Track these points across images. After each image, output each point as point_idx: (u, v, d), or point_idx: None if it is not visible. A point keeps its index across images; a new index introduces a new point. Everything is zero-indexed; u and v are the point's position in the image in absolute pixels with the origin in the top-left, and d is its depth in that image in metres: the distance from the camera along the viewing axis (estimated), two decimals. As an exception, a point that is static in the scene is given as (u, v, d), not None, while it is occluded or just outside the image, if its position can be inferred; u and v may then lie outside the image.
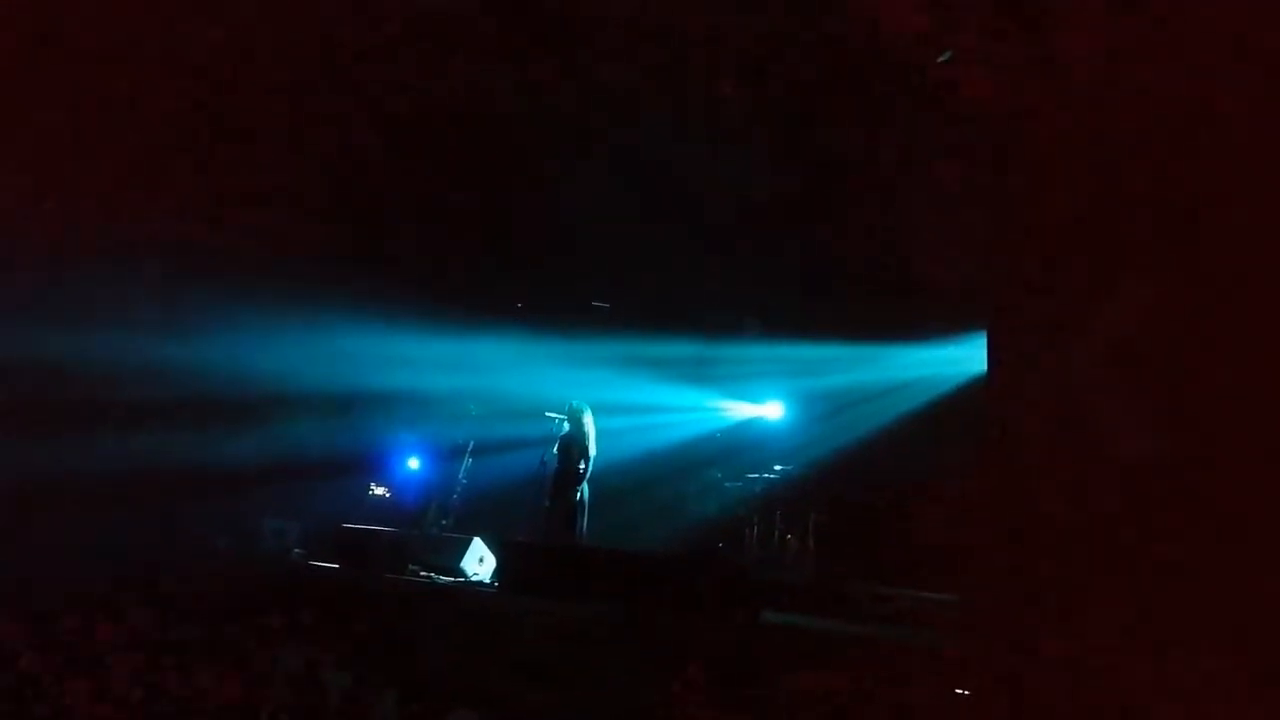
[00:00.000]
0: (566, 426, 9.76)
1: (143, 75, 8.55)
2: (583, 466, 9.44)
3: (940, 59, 6.64)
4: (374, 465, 12.82)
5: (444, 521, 10.96)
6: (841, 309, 10.75)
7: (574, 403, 9.84)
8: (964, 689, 4.74)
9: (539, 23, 8.19)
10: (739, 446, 11.93)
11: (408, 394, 12.45)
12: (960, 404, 9.71)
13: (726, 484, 11.52)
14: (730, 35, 7.80)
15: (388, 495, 12.64)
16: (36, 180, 9.54)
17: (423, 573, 9.00)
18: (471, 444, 11.10)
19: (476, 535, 9.19)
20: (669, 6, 7.71)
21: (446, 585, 8.68)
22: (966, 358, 9.58)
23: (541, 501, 9.80)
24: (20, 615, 6.65)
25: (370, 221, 11.34)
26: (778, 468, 11.21)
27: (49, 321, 10.36)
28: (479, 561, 8.99)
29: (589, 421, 9.68)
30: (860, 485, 10.40)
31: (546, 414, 10.00)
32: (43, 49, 8.06)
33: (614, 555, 8.61)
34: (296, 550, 10.41)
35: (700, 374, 11.97)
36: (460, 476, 11.04)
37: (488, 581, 8.80)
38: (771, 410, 12.00)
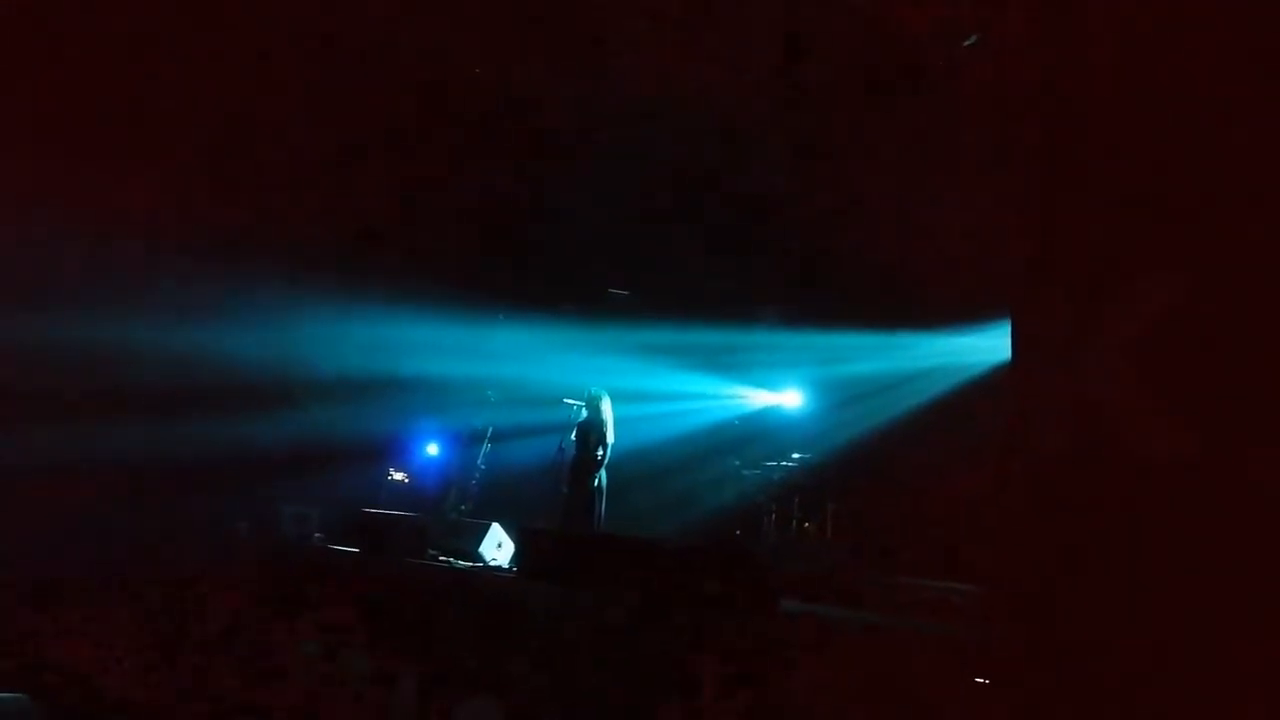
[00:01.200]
0: (585, 413, 9.77)
1: (159, 69, 8.62)
2: (601, 453, 9.46)
3: (966, 43, 6.59)
4: (393, 451, 12.89)
5: (463, 507, 11.02)
6: (860, 296, 10.69)
7: (592, 390, 9.85)
8: (982, 679, 4.74)
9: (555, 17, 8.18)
10: (757, 434, 11.91)
11: (428, 380, 12.50)
12: (980, 393, 9.64)
13: (744, 472, 11.50)
14: (749, 27, 7.76)
15: (407, 481, 12.72)
16: (44, 167, 9.60)
17: (441, 558, 9.06)
18: (490, 430, 11.14)
19: (495, 521, 9.25)
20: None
21: (465, 570, 8.73)
22: (986, 346, 9.51)
23: (560, 488, 9.83)
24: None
25: (387, 211, 11.37)
26: (796, 456, 11.18)
27: (65, 309, 10.42)
28: (497, 547, 9.03)
29: (607, 408, 9.68)
30: (879, 474, 10.36)
31: (565, 400, 10.02)
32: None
33: (632, 542, 8.62)
34: (316, 535, 10.49)
35: (718, 361, 11.94)
36: (479, 462, 11.10)
37: (506, 567, 8.85)
38: (790, 398, 11.97)
